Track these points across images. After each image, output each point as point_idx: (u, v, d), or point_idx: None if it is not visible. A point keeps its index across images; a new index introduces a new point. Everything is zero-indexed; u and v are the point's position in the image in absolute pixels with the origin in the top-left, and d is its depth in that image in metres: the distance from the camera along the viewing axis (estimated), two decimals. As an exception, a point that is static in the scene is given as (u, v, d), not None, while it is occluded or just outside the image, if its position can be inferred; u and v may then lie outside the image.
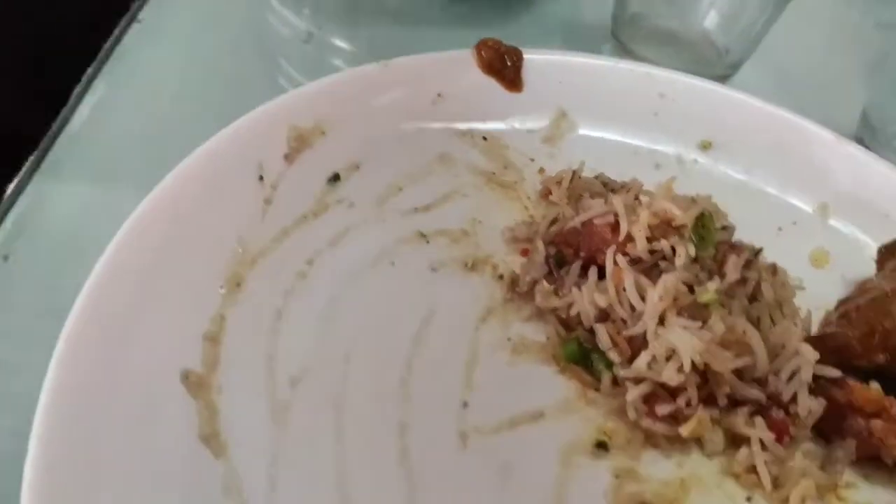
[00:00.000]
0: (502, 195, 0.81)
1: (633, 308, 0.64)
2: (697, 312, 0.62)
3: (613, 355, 0.64)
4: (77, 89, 0.85)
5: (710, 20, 1.00)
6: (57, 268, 0.69)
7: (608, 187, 0.78)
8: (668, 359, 0.62)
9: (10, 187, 0.74)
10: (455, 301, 0.69)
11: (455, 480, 0.57)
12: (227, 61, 0.93)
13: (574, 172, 0.79)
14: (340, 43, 1.00)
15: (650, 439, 0.62)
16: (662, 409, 0.61)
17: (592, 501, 0.57)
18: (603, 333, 0.65)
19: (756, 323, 0.64)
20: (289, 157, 0.74)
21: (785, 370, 0.62)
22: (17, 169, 0.75)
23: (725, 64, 1.00)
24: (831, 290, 0.73)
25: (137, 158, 0.78)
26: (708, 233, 0.66)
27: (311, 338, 0.64)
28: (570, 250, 0.72)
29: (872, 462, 0.62)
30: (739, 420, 0.61)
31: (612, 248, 0.67)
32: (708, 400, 0.62)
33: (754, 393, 0.62)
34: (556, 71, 0.86)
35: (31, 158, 0.77)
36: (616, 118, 0.86)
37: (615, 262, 0.66)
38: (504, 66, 0.85)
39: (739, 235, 0.71)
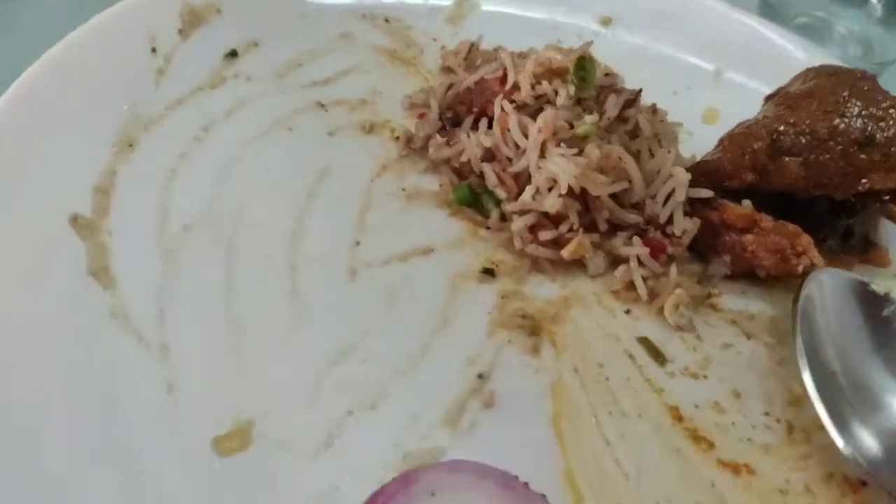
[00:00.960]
0: (404, 70, 0.82)
1: (517, 147, 0.66)
2: (576, 143, 0.64)
3: (500, 192, 0.66)
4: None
5: None
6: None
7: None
8: (549, 190, 0.64)
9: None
10: (351, 160, 0.71)
11: (342, 308, 0.59)
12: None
13: (472, 44, 0.80)
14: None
15: (535, 265, 0.64)
16: (545, 235, 0.64)
17: (477, 318, 0.59)
18: (490, 172, 0.67)
19: (636, 156, 0.66)
20: (183, 32, 0.75)
21: (661, 193, 0.64)
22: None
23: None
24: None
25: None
26: (588, 75, 0.68)
27: (205, 193, 0.65)
28: (463, 108, 0.74)
29: (749, 279, 0.66)
30: (619, 242, 0.64)
31: (500, 96, 0.69)
32: (590, 228, 0.65)
33: (632, 217, 0.64)
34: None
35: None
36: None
37: (502, 109, 0.68)
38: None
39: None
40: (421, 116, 0.76)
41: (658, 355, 0.59)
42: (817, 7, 0.96)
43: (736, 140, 0.66)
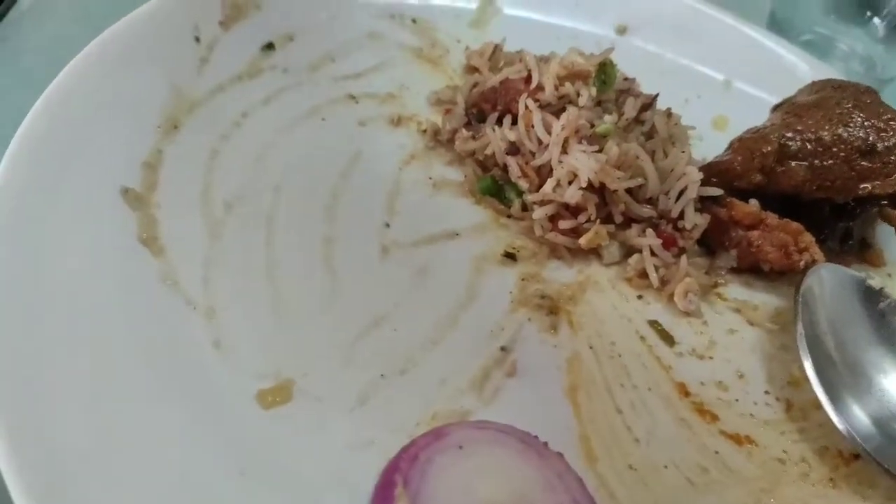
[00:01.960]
0: (430, 68, 0.87)
1: (540, 142, 0.71)
2: (596, 141, 0.69)
3: (523, 183, 0.70)
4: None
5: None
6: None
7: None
8: (570, 183, 0.68)
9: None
10: (381, 148, 0.75)
11: (374, 282, 0.63)
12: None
13: (496, 45, 0.85)
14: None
15: (554, 252, 0.68)
16: (565, 224, 0.68)
17: (499, 296, 0.63)
18: (514, 165, 0.71)
19: (652, 155, 0.70)
20: (224, 25, 0.79)
21: (674, 190, 0.69)
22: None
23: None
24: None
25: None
26: (609, 78, 0.73)
27: (245, 173, 0.69)
28: (488, 106, 0.78)
29: (754, 273, 0.70)
30: (633, 233, 0.68)
31: (525, 95, 0.74)
32: (607, 219, 0.69)
33: (646, 210, 0.69)
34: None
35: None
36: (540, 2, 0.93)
37: (526, 107, 0.73)
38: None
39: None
40: (447, 111, 0.80)
41: (667, 337, 0.63)
42: (822, 25, 1.01)
43: (746, 143, 0.70)
